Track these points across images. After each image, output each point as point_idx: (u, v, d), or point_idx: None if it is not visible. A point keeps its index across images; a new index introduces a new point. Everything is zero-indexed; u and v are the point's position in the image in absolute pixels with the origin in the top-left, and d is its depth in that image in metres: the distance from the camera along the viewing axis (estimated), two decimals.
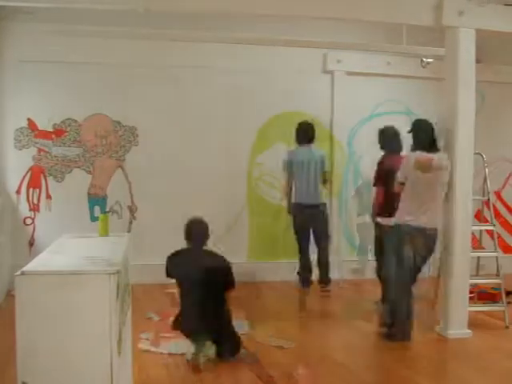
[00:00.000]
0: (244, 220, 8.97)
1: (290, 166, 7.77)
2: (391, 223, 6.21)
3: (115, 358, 3.12)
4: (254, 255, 8.93)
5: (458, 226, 6.19)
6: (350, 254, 9.37)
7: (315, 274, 7.77)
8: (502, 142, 9.90)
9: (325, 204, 7.96)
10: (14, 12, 7.51)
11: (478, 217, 7.79)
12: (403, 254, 6.01)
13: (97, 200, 8.56)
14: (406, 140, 6.63)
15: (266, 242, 9.05)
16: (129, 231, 8.50)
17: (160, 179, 8.63)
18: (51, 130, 8.38)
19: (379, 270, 7.10)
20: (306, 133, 7.88)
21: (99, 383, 3.09)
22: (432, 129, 6.18)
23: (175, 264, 5.50)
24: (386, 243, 6.39)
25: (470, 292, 6.57)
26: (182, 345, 5.47)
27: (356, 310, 7.47)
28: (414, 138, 6.18)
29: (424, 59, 8.56)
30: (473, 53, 6.24)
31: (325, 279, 7.93)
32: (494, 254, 7.00)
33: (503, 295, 6.83)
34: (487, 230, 7.76)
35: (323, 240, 7.94)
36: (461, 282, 6.23)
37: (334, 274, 8.20)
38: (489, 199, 7.27)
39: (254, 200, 8.98)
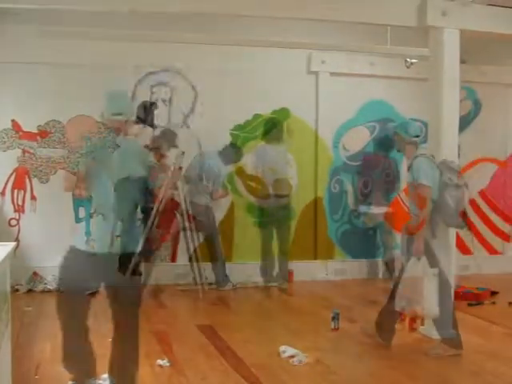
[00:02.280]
0: (231, 220, 8.94)
1: None
2: None
3: None
4: (241, 256, 8.87)
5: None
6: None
7: None
8: (488, 142, 9.91)
9: None
10: None
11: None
12: None
13: (82, 201, 8.47)
14: None
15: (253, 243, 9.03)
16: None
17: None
18: (36, 131, 8.35)
19: None
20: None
21: None
22: None
23: None
24: None
25: (456, 292, 6.57)
26: None
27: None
28: None
29: (408, 59, 8.58)
30: (457, 53, 6.25)
31: None
32: None
33: None
34: None
35: None
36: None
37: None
38: None
39: (239, 200, 8.95)
